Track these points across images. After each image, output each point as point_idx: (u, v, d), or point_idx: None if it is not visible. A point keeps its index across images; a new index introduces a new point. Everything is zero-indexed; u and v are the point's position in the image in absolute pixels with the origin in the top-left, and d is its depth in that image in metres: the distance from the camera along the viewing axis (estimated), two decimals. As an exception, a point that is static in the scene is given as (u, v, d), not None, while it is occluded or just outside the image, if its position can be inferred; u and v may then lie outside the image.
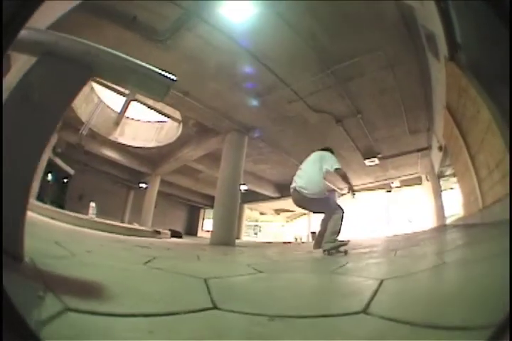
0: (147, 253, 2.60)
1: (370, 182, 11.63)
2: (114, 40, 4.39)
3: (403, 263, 2.12)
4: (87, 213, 8.00)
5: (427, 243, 3.64)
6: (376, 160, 8.67)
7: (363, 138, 7.69)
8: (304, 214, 16.35)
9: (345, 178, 3.35)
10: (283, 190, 13.58)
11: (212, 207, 7.19)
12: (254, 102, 6.21)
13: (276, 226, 22.61)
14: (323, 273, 1.99)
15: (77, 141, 9.56)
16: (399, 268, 1.82)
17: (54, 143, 9.11)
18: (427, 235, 5.00)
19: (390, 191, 12.82)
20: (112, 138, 10.35)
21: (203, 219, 19.50)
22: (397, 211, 13.42)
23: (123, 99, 9.65)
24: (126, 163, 11.72)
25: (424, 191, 10.12)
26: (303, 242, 12.13)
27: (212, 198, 7.85)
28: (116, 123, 10.53)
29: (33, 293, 0.70)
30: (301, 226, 17.56)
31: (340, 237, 3.09)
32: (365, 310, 0.81)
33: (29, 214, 0.97)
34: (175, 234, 8.69)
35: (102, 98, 9.97)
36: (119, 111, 10.38)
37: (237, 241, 7.06)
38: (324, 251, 3.02)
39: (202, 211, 19.48)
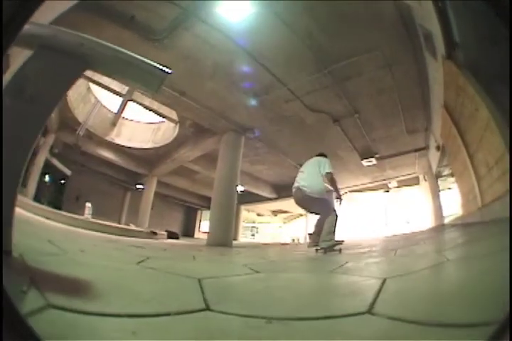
0: (141, 253, 2.55)
1: (368, 183, 11.64)
2: (111, 40, 4.30)
3: (403, 262, 2.10)
4: (83, 214, 7.92)
5: (427, 242, 3.63)
6: (374, 161, 8.66)
7: (360, 138, 7.68)
8: (301, 215, 16.35)
9: (333, 183, 3.59)
10: (280, 190, 13.57)
11: (209, 208, 7.14)
12: (251, 102, 6.19)
13: (273, 227, 22.60)
14: (322, 272, 1.95)
15: (74, 142, 9.50)
16: (400, 267, 1.79)
17: (51, 143, 9.07)
18: (426, 235, 4.99)
19: (387, 191, 12.84)
20: (108, 138, 10.31)
21: (200, 220, 19.44)
22: (395, 211, 13.46)
23: (120, 100, 9.61)
24: (122, 163, 11.67)
25: (421, 191, 10.14)
26: (300, 243, 12.12)
27: (209, 199, 7.81)
28: (113, 124, 10.49)
29: (17, 288, 0.67)
30: (299, 228, 17.55)
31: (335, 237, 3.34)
32: (369, 311, 0.76)
33: (24, 213, 0.94)
34: (171, 235, 8.65)
35: (99, 98, 9.92)
36: (115, 111, 10.34)
37: (234, 242, 7.01)
38: (321, 248, 3.24)
39: (199, 212, 19.42)
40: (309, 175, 3.60)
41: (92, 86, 9.06)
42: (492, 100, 2.53)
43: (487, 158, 2.83)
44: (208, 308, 0.83)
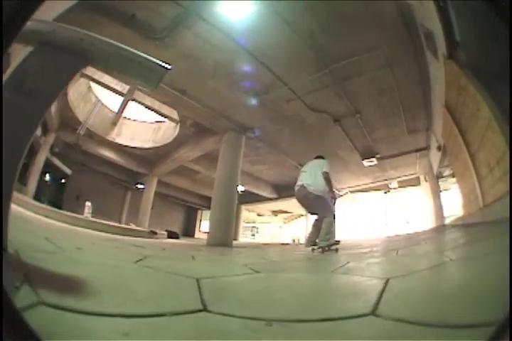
0: (140, 252, 2.53)
1: (370, 183, 11.61)
2: (112, 38, 4.34)
3: (405, 262, 2.08)
4: (83, 213, 7.92)
5: (428, 242, 3.61)
6: (374, 161, 8.63)
7: (361, 138, 7.66)
8: (302, 215, 16.32)
9: (328, 182, 3.75)
10: (280, 191, 13.56)
11: (209, 208, 7.13)
12: (252, 101, 6.17)
13: (273, 227, 22.57)
14: (323, 272, 1.93)
15: (75, 141, 9.50)
16: (401, 267, 1.78)
17: (51, 142, 9.07)
18: (427, 235, 4.97)
19: (388, 191, 12.82)
20: (109, 138, 10.29)
21: (201, 220, 19.41)
22: (396, 212, 13.43)
23: (121, 99, 9.61)
24: (123, 163, 11.66)
25: (422, 191, 10.11)
26: (300, 243, 12.09)
27: (209, 199, 7.80)
28: (114, 123, 10.47)
29: (9, 284, 0.65)
30: (299, 228, 17.51)
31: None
32: (373, 312, 0.74)
33: (23, 212, 0.93)
34: (172, 235, 8.65)
35: (99, 97, 9.92)
36: (116, 110, 10.33)
37: (234, 242, 6.99)
38: (319, 247, 3.39)
39: (199, 212, 19.39)
40: (312, 175, 3.82)
41: (93, 85, 9.06)
42: (493, 100, 2.52)
43: (488, 158, 2.82)
44: (205, 309, 0.81)
